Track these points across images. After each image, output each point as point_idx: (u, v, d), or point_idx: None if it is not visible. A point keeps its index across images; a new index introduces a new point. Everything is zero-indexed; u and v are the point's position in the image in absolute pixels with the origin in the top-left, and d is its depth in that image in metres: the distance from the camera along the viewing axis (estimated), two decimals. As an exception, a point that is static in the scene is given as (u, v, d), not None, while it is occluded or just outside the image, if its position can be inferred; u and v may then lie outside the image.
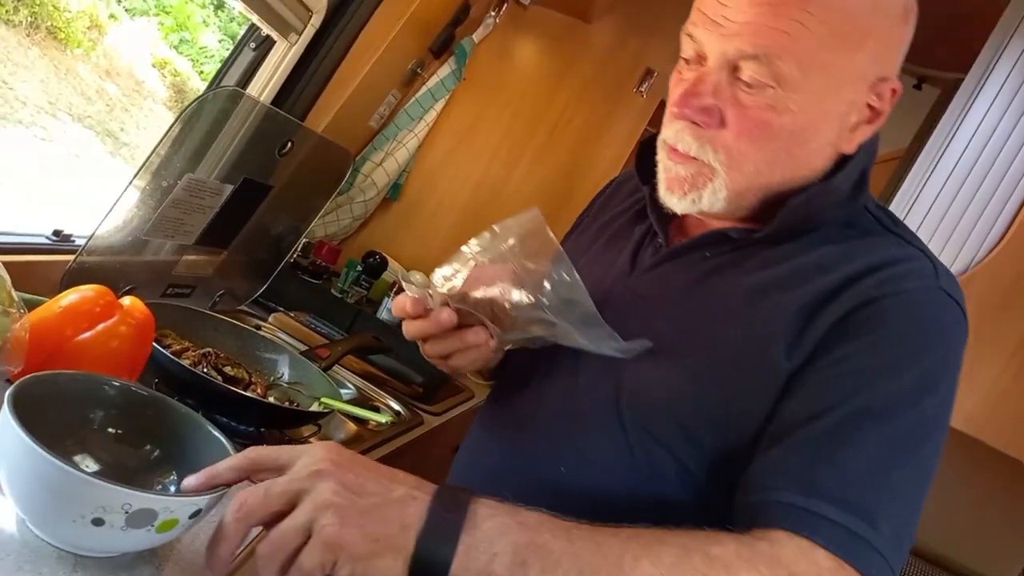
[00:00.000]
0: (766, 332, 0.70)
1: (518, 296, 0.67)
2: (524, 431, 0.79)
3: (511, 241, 0.69)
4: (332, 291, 1.81)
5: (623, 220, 0.89)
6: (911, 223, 1.55)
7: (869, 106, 0.72)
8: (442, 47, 1.94)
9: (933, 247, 1.57)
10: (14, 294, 0.72)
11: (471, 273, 0.69)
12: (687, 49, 0.73)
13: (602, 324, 0.68)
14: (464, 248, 0.71)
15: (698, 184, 0.73)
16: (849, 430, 0.63)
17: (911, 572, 1.31)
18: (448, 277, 0.70)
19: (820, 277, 0.71)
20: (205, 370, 1.06)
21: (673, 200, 0.75)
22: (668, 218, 0.81)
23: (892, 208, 1.55)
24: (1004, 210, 1.56)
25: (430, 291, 0.70)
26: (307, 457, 0.57)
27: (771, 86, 0.67)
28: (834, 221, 0.75)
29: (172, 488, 0.66)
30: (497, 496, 0.59)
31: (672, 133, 0.73)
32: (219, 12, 7.44)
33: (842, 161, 0.75)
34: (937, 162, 1.57)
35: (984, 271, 1.55)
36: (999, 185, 1.56)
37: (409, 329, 0.72)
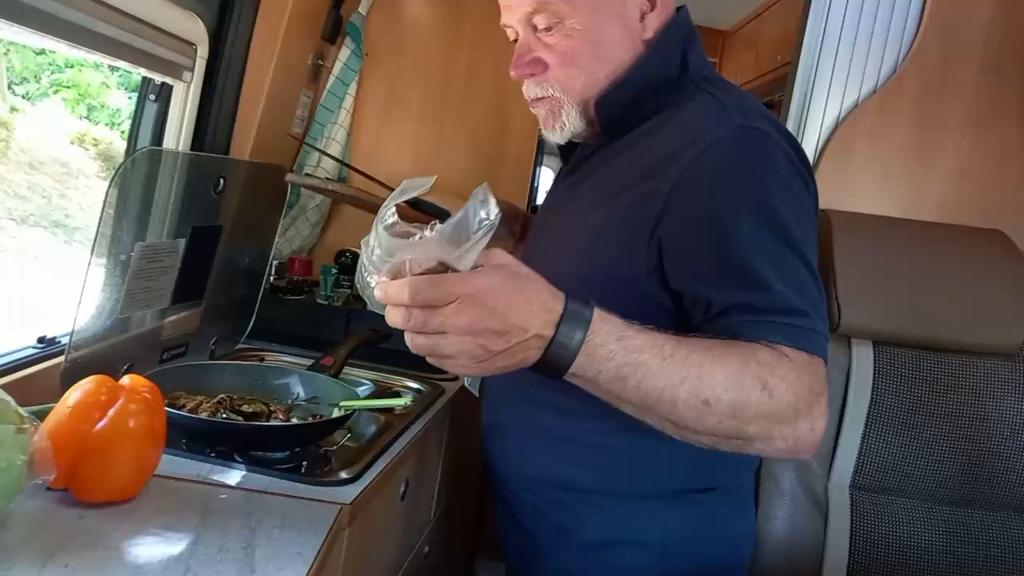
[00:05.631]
0: (624, 201, 0.89)
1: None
2: None
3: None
4: (318, 300, 1.84)
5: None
6: (828, 44, 1.57)
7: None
8: (334, 31, 1.91)
9: (857, 59, 1.59)
10: (21, 411, 0.75)
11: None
12: (510, 36, 0.99)
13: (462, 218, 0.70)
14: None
15: (556, 114, 0.97)
16: (738, 261, 0.80)
17: (927, 365, 1.36)
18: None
19: (656, 150, 0.89)
20: (224, 416, 1.10)
21: (552, 135, 0.98)
22: (567, 158, 1.07)
23: (807, 36, 1.56)
24: (912, 3, 1.57)
25: None
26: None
27: (556, 23, 0.92)
28: (664, 102, 0.93)
29: None
30: None
31: (526, 91, 0.99)
32: (114, 69, 7.25)
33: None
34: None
35: (911, 66, 1.57)
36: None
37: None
